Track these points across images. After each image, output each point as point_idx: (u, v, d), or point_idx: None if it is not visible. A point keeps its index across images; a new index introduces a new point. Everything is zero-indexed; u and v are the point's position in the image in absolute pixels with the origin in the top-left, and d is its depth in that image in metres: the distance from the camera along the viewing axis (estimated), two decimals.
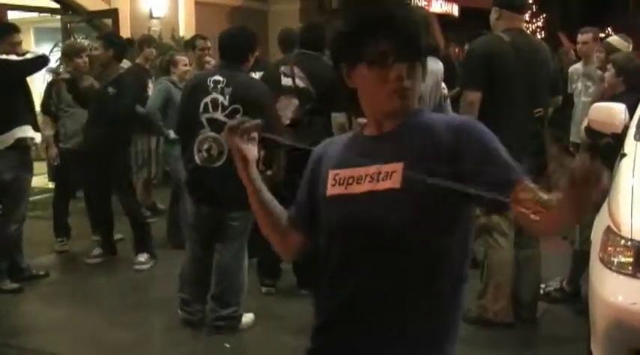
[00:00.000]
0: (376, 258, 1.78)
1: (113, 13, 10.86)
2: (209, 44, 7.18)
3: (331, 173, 1.89)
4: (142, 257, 6.24)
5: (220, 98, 4.48)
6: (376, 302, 1.79)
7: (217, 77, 4.53)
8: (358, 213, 1.79)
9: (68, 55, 6.71)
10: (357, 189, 1.81)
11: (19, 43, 5.74)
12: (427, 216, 1.74)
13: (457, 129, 1.78)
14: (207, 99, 4.50)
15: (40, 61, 5.79)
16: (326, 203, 1.89)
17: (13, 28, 5.83)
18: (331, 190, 1.87)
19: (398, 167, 1.76)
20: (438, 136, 1.77)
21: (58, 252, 6.64)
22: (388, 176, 1.77)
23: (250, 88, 4.59)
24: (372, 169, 1.80)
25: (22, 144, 5.57)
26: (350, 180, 1.84)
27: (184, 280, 4.82)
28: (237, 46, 4.64)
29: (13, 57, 5.53)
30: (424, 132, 1.80)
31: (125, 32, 11.00)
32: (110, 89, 6.12)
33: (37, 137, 5.82)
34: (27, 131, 5.60)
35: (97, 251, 6.46)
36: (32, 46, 13.99)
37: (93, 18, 10.99)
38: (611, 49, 6.37)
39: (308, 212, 1.98)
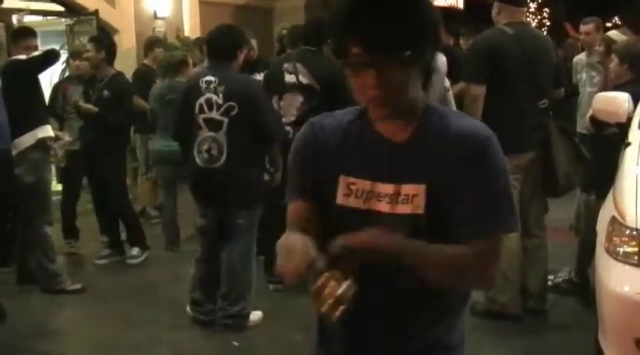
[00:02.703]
0: (389, 278, 1.64)
1: (94, 15, 10.67)
2: None
3: (343, 180, 1.69)
4: (134, 251, 6.42)
5: (214, 97, 4.48)
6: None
7: (209, 77, 4.52)
8: None
9: (72, 57, 6.75)
10: (377, 206, 1.65)
11: (36, 47, 5.67)
12: (450, 241, 1.61)
13: (470, 145, 1.61)
14: (202, 99, 4.50)
15: (51, 56, 5.66)
16: (337, 209, 1.69)
17: (29, 32, 5.80)
18: (344, 200, 1.68)
19: (420, 190, 1.62)
20: (453, 147, 1.62)
21: (66, 254, 6.64)
22: (409, 199, 1.62)
23: (242, 83, 4.60)
24: (391, 188, 1.64)
25: (43, 145, 5.49)
26: (369, 195, 1.66)
27: (196, 281, 4.83)
28: (224, 44, 4.62)
29: (22, 56, 5.47)
30: (441, 141, 1.63)
31: (130, 33, 11.01)
32: (105, 92, 6.13)
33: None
34: (48, 131, 5.54)
35: (105, 251, 6.51)
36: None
37: (81, 21, 10.82)
38: (610, 43, 6.33)
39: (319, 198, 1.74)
